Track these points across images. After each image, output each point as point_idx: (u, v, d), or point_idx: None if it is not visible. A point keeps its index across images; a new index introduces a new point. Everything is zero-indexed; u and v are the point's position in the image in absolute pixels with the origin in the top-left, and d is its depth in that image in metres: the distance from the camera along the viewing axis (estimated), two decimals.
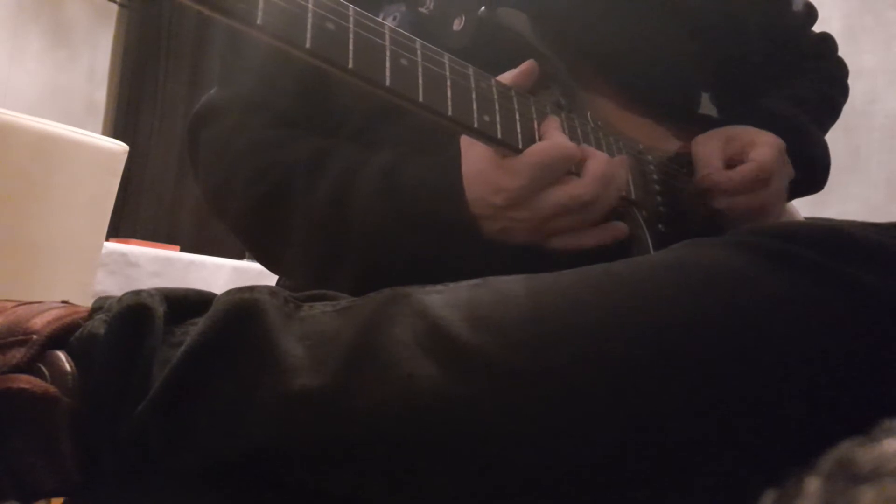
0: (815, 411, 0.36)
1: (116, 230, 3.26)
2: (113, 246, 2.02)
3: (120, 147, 1.58)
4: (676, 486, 0.37)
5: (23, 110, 1.45)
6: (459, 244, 0.58)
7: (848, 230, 0.40)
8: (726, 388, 0.36)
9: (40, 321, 0.43)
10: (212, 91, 0.74)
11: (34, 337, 0.42)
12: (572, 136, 0.58)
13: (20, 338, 0.42)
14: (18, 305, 0.45)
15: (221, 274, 2.26)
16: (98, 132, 3.13)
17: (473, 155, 0.56)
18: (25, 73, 3.38)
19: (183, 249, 2.46)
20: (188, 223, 3.75)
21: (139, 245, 2.27)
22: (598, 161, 0.56)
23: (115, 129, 3.65)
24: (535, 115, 0.56)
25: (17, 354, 0.41)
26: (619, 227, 0.60)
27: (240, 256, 2.59)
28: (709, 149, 0.70)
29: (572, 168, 0.56)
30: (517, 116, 0.55)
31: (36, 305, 0.45)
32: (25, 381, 0.40)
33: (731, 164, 0.69)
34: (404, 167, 0.60)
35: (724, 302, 0.38)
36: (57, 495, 0.42)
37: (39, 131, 1.41)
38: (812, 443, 0.36)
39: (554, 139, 0.54)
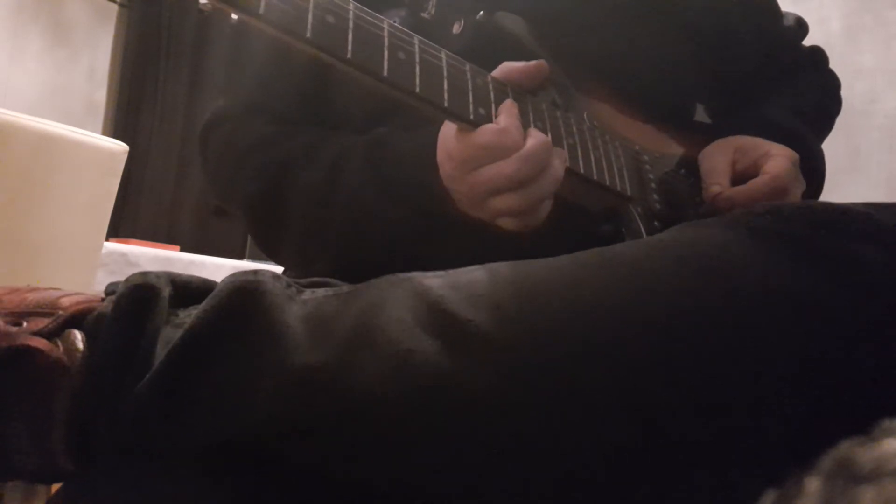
0: (814, 409, 0.36)
1: (116, 230, 3.26)
2: (113, 246, 2.02)
3: (120, 147, 1.58)
4: (676, 486, 0.37)
5: (23, 110, 1.45)
6: (435, 216, 0.58)
7: (846, 207, 0.40)
8: (723, 360, 0.36)
9: (68, 301, 0.45)
10: (219, 101, 0.76)
11: (60, 312, 0.44)
12: (567, 134, 0.59)
13: (47, 310, 0.44)
14: (51, 289, 0.48)
15: (221, 274, 2.25)
16: (98, 132, 3.13)
17: (449, 124, 0.57)
18: (25, 73, 3.38)
19: (183, 249, 2.46)
20: (188, 223, 3.75)
21: (139, 245, 2.27)
22: (534, 141, 0.54)
23: (115, 129, 3.65)
24: (531, 111, 0.57)
25: (42, 323, 0.43)
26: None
27: (240, 256, 2.59)
28: (716, 163, 0.69)
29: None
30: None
31: (66, 290, 0.47)
32: (44, 344, 0.41)
33: (741, 178, 0.69)
34: (389, 140, 0.62)
35: (717, 282, 0.38)
36: (41, 478, 0.44)
37: (39, 131, 1.41)
38: (812, 443, 0.36)
39: (502, 125, 0.54)
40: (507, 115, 0.54)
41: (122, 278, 0.46)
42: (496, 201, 0.55)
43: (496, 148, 0.53)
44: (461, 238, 0.57)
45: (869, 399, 0.37)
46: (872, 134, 2.42)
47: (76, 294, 0.46)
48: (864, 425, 0.35)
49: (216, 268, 2.27)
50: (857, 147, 2.39)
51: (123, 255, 2.00)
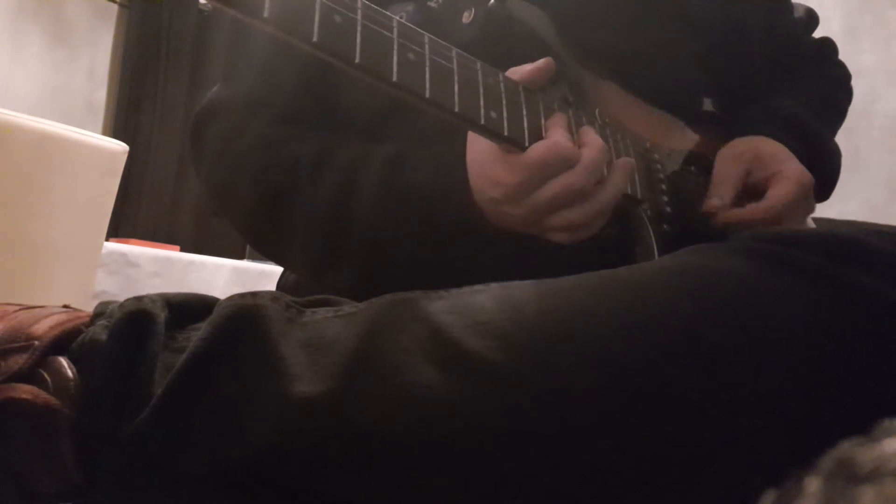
0: (815, 412, 0.37)
1: (116, 230, 3.26)
2: (113, 246, 2.02)
3: (120, 147, 1.58)
4: (676, 487, 0.37)
5: (23, 110, 1.45)
6: (463, 235, 0.57)
7: (851, 236, 0.40)
8: (727, 393, 0.36)
9: (42, 327, 0.42)
10: (215, 88, 0.74)
11: (36, 343, 0.41)
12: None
13: (22, 344, 0.41)
14: (20, 310, 0.45)
15: (221, 274, 2.26)
16: (98, 132, 3.13)
17: (477, 147, 0.56)
18: (25, 73, 3.38)
19: (183, 249, 2.46)
20: (188, 223, 3.75)
21: (139, 245, 2.27)
22: (591, 149, 0.54)
23: (115, 129, 3.65)
24: (542, 113, 0.56)
25: (19, 361, 0.41)
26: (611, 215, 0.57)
27: (240, 256, 2.59)
28: (729, 172, 0.68)
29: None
30: (524, 113, 0.54)
31: (38, 310, 0.44)
32: (27, 392, 0.39)
33: (752, 189, 0.68)
34: (408, 158, 0.61)
35: (727, 308, 0.38)
36: (58, 500, 0.42)
37: (39, 131, 1.41)
38: (812, 443, 0.36)
39: (554, 138, 0.54)
40: (555, 128, 0.54)
41: (122, 278, 0.45)
42: (557, 218, 0.54)
43: (554, 163, 0.52)
44: (483, 254, 0.57)
45: (869, 399, 0.37)
46: (872, 134, 2.42)
47: (49, 314, 0.43)
48: (864, 425, 0.35)
49: (216, 268, 2.27)
50: (857, 147, 2.38)
51: (123, 255, 2.00)
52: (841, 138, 0.83)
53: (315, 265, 0.67)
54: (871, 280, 0.38)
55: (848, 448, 0.34)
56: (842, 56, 0.91)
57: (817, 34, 0.91)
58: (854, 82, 0.90)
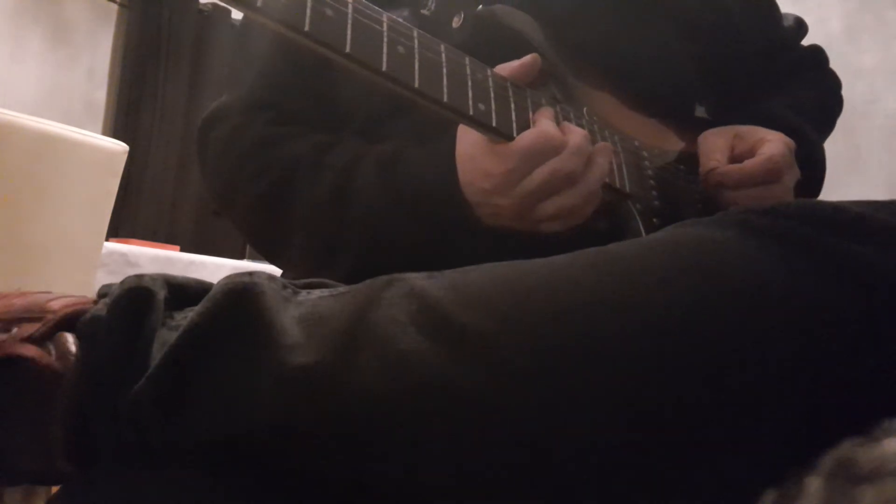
0: (814, 409, 0.36)
1: (116, 230, 3.26)
2: (113, 246, 2.02)
3: (120, 147, 1.58)
4: (676, 486, 0.37)
5: (23, 110, 1.45)
6: (456, 231, 0.59)
7: (843, 206, 0.40)
8: (720, 360, 0.36)
9: (57, 304, 0.44)
10: (222, 97, 0.76)
11: (49, 316, 0.43)
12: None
13: (36, 315, 0.44)
14: (39, 293, 0.47)
15: (221, 274, 2.24)
16: (98, 132, 3.13)
17: (466, 140, 0.57)
18: (25, 73, 3.37)
19: (183, 249, 2.46)
20: (188, 223, 3.75)
21: (139, 245, 2.27)
22: (575, 135, 0.57)
23: (115, 129, 3.65)
24: (530, 106, 0.57)
25: (31, 328, 0.43)
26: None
27: (240, 256, 2.59)
28: (714, 144, 0.70)
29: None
30: (512, 107, 0.56)
31: (55, 293, 0.47)
32: (34, 352, 0.41)
33: (738, 161, 0.69)
34: (402, 156, 0.62)
35: (716, 282, 0.38)
36: (40, 480, 0.44)
37: (39, 131, 1.41)
38: (812, 443, 0.36)
39: (541, 127, 0.55)
40: (542, 119, 0.56)
41: (122, 278, 0.46)
42: (548, 205, 0.56)
43: (542, 150, 0.54)
44: (479, 250, 0.57)
45: (869, 399, 0.36)
46: (872, 134, 2.42)
47: (65, 296, 0.46)
48: (864, 425, 0.35)
49: (216, 268, 2.27)
50: (857, 147, 2.39)
51: (123, 255, 2.00)
52: (841, 138, 0.84)
53: (311, 263, 0.68)
54: (865, 248, 0.37)
55: (848, 448, 0.34)
56: (842, 56, 0.91)
57: (818, 34, 0.91)
58: (854, 82, 0.91)
